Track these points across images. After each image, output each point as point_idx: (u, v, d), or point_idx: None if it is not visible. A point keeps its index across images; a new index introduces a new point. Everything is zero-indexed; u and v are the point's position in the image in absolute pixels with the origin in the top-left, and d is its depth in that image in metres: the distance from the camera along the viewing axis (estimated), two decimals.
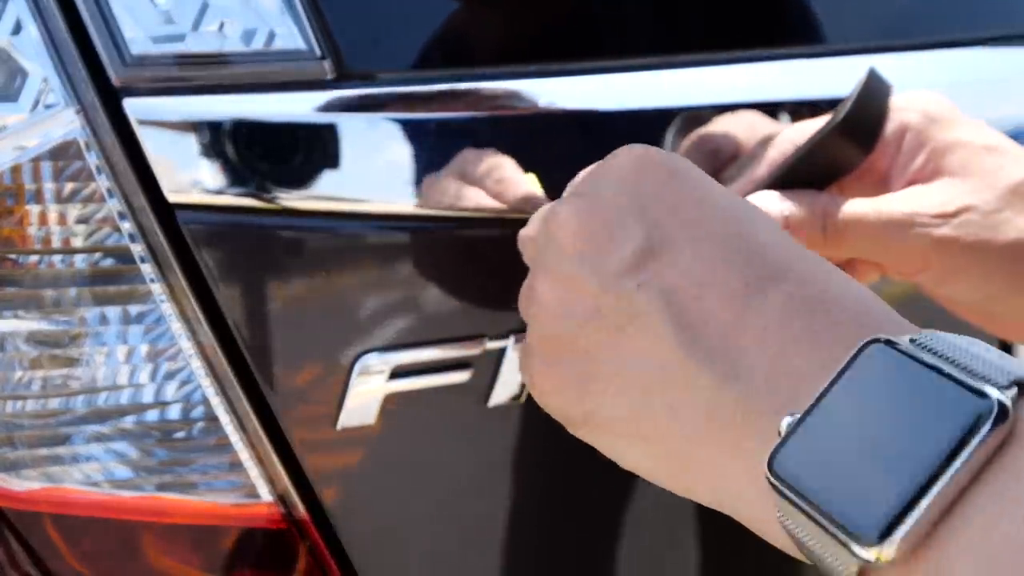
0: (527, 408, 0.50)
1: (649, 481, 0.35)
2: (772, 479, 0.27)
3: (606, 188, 0.35)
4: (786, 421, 0.28)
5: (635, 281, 0.33)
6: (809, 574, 0.62)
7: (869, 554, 0.24)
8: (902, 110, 0.44)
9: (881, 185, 0.45)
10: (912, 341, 0.27)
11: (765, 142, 0.46)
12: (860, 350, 0.27)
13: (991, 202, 0.42)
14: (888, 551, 0.24)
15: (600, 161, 0.37)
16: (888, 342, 0.27)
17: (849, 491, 0.25)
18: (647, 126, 0.49)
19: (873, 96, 0.44)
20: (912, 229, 0.41)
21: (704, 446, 0.31)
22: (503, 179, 0.45)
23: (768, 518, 0.28)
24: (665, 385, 0.32)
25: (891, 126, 0.44)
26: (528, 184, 0.46)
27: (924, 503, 0.24)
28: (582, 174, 0.38)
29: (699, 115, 0.49)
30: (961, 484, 0.24)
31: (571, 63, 0.49)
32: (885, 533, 0.24)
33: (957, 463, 0.24)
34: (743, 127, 0.48)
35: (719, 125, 0.48)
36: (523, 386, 0.49)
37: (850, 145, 0.44)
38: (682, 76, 0.50)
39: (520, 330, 0.48)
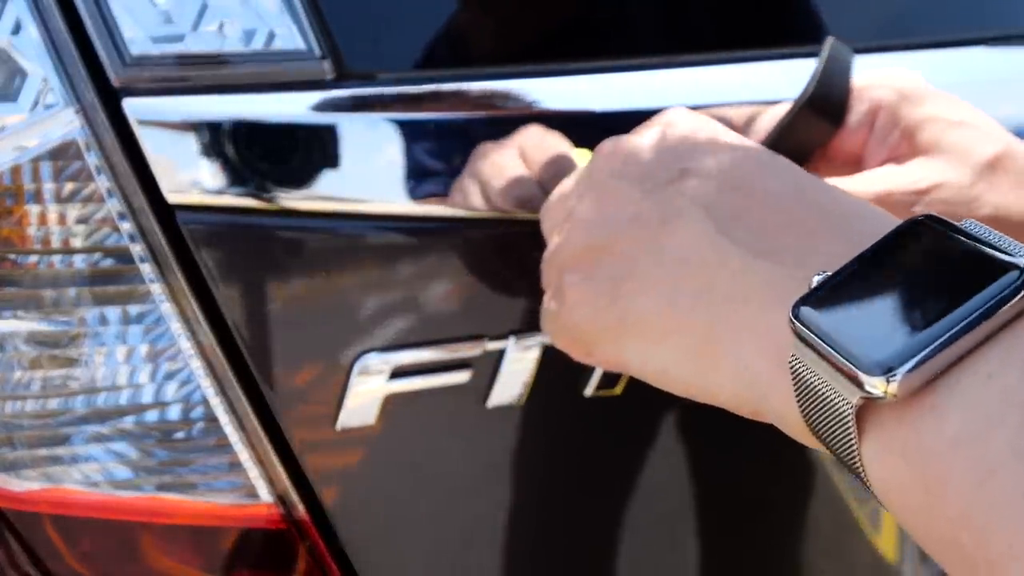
0: (527, 408, 0.50)
1: (673, 394, 0.35)
2: (793, 320, 0.28)
3: (647, 128, 0.39)
4: (817, 278, 0.29)
5: (676, 188, 0.35)
6: (806, 572, 0.62)
7: (874, 386, 0.25)
8: (873, 88, 0.44)
9: (856, 166, 0.45)
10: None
11: (743, 130, 0.47)
12: (904, 225, 0.29)
13: (964, 178, 0.42)
14: (892, 386, 0.25)
15: None
16: (931, 217, 0.29)
17: (866, 334, 0.26)
18: None
19: (836, 68, 0.43)
20: (886, 208, 0.42)
21: (728, 327, 0.32)
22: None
23: (783, 394, 0.29)
24: (697, 270, 0.33)
25: (864, 106, 0.44)
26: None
27: (933, 346, 0.25)
28: None
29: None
30: (975, 341, 0.25)
31: (571, 63, 0.49)
32: (891, 368, 0.25)
33: (972, 317, 0.25)
34: (720, 117, 0.48)
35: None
36: (523, 386, 0.49)
37: (820, 120, 0.44)
38: (682, 76, 0.50)
39: (519, 330, 0.48)
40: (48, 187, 0.42)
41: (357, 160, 0.44)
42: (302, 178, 0.43)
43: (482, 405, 0.49)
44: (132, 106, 0.42)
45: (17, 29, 0.41)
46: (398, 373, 0.46)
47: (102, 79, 0.41)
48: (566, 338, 0.38)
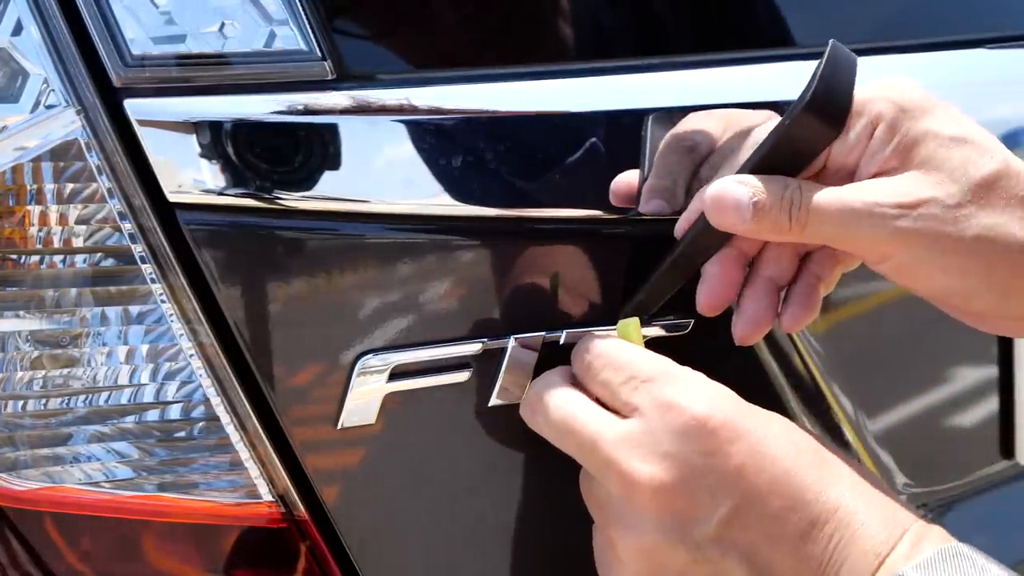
0: None
1: None
2: None
3: (679, 456, 0.41)
4: None
5: (719, 548, 0.40)
6: None
7: None
8: (873, 101, 0.43)
9: (848, 179, 0.44)
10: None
11: (742, 135, 0.46)
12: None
13: (954, 196, 0.41)
14: None
15: (660, 409, 0.42)
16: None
17: None
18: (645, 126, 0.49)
19: (838, 71, 0.42)
20: (871, 219, 0.41)
21: None
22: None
23: None
24: None
25: (864, 119, 0.43)
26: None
27: None
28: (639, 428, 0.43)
29: (671, 114, 0.48)
30: None
31: (569, 64, 0.49)
32: None
33: None
34: (717, 122, 0.48)
35: (693, 122, 0.48)
36: (524, 385, 0.49)
37: (820, 124, 0.42)
38: (682, 77, 0.50)
39: (518, 331, 0.48)
40: (49, 187, 0.42)
41: (357, 160, 0.44)
42: (302, 178, 0.43)
43: (483, 404, 0.49)
44: (133, 106, 0.42)
45: (18, 30, 0.41)
46: (398, 372, 0.47)
47: (103, 79, 0.42)
48: None
